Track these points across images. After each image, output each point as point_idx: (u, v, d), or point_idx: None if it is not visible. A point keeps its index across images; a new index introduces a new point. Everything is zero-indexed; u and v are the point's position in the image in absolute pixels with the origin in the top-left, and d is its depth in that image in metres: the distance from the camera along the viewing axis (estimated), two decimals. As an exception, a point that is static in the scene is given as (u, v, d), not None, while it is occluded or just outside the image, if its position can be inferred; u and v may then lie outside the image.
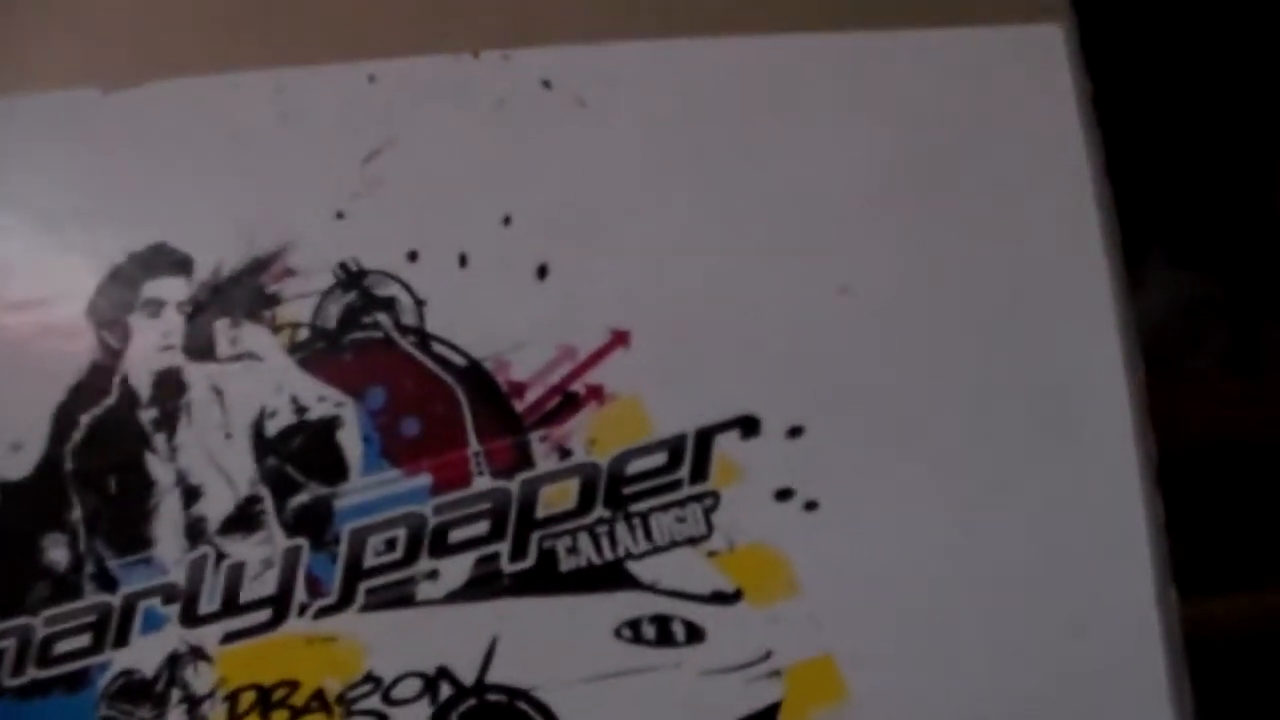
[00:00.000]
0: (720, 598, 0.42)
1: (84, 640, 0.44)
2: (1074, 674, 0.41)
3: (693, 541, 0.42)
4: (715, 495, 0.42)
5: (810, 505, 0.42)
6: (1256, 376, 0.84)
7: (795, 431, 0.42)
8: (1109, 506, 0.42)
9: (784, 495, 0.42)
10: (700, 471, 0.42)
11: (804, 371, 0.43)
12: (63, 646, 0.44)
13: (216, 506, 0.44)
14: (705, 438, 0.43)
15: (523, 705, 0.42)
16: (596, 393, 0.43)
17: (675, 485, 0.42)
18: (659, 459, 0.43)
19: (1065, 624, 0.42)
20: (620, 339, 0.43)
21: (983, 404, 0.43)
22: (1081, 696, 0.41)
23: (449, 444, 0.43)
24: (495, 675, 0.42)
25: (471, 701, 0.42)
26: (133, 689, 0.43)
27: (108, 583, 0.44)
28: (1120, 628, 0.42)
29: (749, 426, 0.43)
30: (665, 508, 0.42)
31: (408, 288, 0.44)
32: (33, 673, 0.44)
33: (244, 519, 0.43)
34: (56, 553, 0.44)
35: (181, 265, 0.45)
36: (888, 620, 0.42)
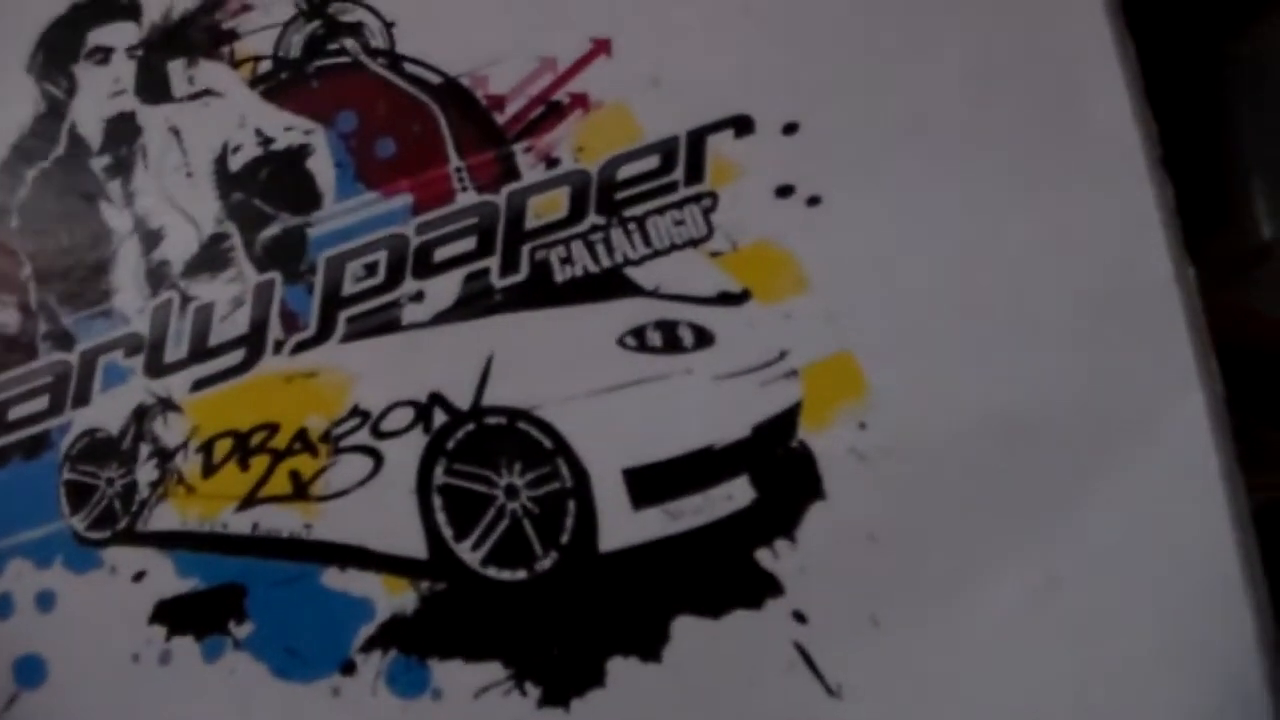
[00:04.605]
0: (727, 298, 0.41)
1: (41, 403, 0.42)
2: (1097, 353, 0.40)
3: (693, 243, 0.42)
4: (713, 196, 0.42)
5: (813, 200, 0.42)
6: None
7: (790, 128, 0.42)
8: (1116, 185, 0.41)
9: (785, 192, 0.42)
10: (695, 173, 0.42)
11: (794, 66, 0.42)
12: (18, 411, 0.43)
13: (179, 249, 0.42)
14: (697, 139, 0.42)
15: (524, 426, 0.41)
16: (581, 101, 0.42)
17: (670, 188, 0.42)
18: (651, 163, 0.42)
19: (1084, 304, 0.40)
20: (601, 47, 0.43)
21: (982, 88, 0.41)
22: (1106, 375, 0.40)
23: (428, 162, 0.42)
24: (493, 396, 0.41)
25: (469, 427, 0.41)
26: (97, 448, 0.41)
27: (63, 340, 0.42)
28: (1140, 305, 0.40)
29: (742, 125, 0.42)
30: (661, 210, 0.42)
31: (374, 10, 0.43)
32: (-14, 441, 0.41)
33: (210, 258, 0.42)
34: (5, 315, 0.42)
35: (129, 10, 0.43)
36: (903, 311, 0.41)
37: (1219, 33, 0.58)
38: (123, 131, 0.43)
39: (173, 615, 0.42)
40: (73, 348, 0.42)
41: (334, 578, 0.41)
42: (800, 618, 0.39)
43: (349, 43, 0.43)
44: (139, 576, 0.42)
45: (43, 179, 0.43)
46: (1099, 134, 0.41)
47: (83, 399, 0.42)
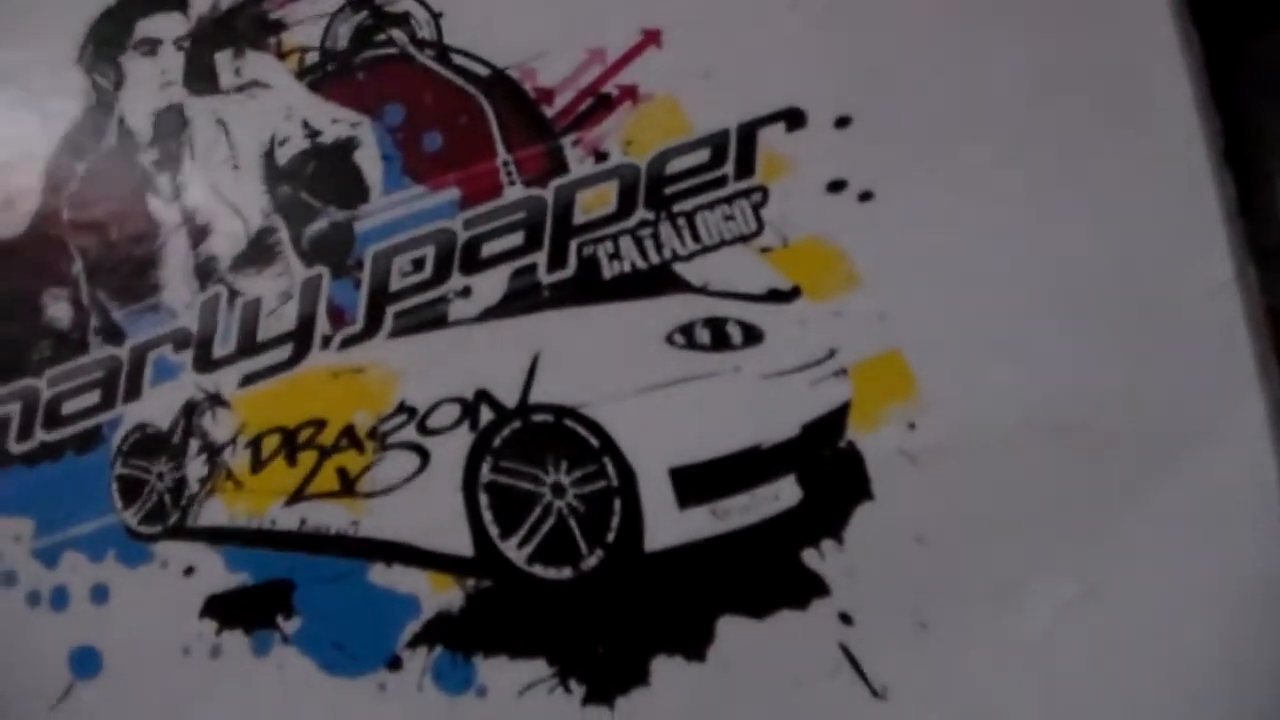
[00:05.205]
0: (777, 295, 0.41)
1: (93, 398, 0.42)
2: (1154, 355, 0.39)
3: (743, 239, 0.41)
4: (763, 190, 0.41)
5: (865, 196, 0.41)
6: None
7: (843, 121, 0.41)
8: (1178, 187, 0.40)
9: (836, 187, 0.41)
10: (745, 167, 0.41)
11: (847, 58, 0.42)
12: (71, 406, 0.43)
13: (227, 243, 0.42)
14: (748, 132, 0.41)
15: (571, 424, 0.41)
16: (630, 93, 0.41)
17: (720, 182, 0.41)
18: (700, 156, 0.42)
19: (1140, 308, 0.40)
20: (651, 38, 0.42)
21: (1041, 84, 0.40)
22: (1162, 377, 0.39)
23: (476, 155, 0.42)
24: (540, 394, 0.41)
25: (516, 424, 0.41)
26: (148, 443, 0.42)
27: (114, 335, 0.42)
28: (1199, 309, 0.39)
29: (794, 118, 0.41)
30: (711, 205, 0.41)
31: (422, 1, 0.42)
32: (41, 436, 0.42)
33: (258, 253, 0.42)
34: (57, 309, 0.42)
35: (176, 1, 0.43)
36: (955, 310, 0.40)
37: (1237, 32, 0.56)
38: (171, 124, 0.43)
39: (223, 610, 0.42)
40: (123, 342, 0.43)
41: (381, 574, 0.41)
42: (846, 619, 0.39)
43: (396, 34, 0.43)
44: (189, 571, 0.43)
45: (93, 172, 0.43)
46: (1162, 130, 0.40)
47: (134, 393, 0.42)
